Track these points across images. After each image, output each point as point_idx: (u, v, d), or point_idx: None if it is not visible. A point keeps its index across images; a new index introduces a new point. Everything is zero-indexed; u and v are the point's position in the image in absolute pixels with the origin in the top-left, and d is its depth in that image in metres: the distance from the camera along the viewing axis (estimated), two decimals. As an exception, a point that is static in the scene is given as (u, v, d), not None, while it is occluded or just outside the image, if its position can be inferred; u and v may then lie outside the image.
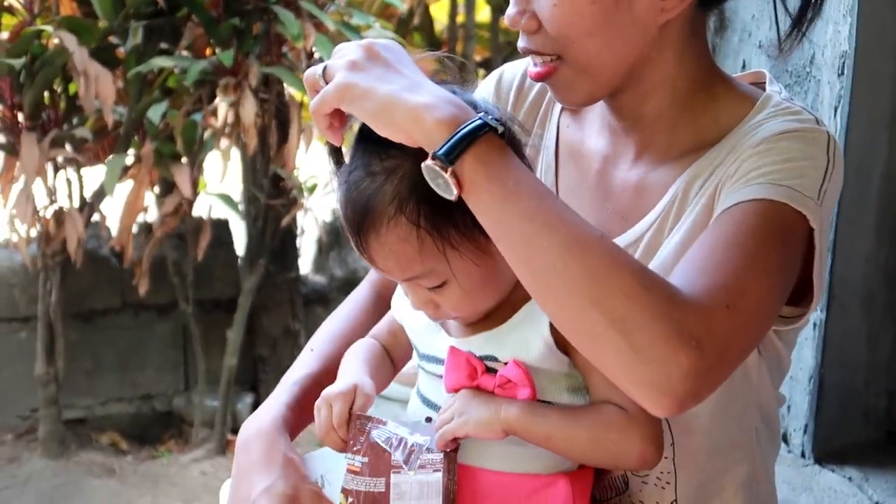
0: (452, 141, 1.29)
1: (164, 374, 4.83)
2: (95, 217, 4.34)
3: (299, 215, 4.69)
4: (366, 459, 1.50)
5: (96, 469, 4.45)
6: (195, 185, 4.27)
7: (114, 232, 4.29)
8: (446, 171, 1.29)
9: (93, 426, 4.72)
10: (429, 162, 1.30)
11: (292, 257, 4.87)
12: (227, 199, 4.43)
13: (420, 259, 1.40)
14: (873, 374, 2.60)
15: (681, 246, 1.48)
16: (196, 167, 4.24)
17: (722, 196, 1.44)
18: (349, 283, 5.11)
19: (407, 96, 1.31)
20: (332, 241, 5.11)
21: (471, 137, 1.29)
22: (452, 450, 1.47)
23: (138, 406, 4.82)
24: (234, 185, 4.66)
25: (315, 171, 4.71)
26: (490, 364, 1.47)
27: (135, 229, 4.32)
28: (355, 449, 1.51)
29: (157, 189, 4.51)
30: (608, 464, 1.50)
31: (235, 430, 4.69)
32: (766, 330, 1.41)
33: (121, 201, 4.18)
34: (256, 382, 4.92)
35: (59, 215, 4.18)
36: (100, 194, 4.20)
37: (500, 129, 1.32)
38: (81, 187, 4.29)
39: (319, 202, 4.74)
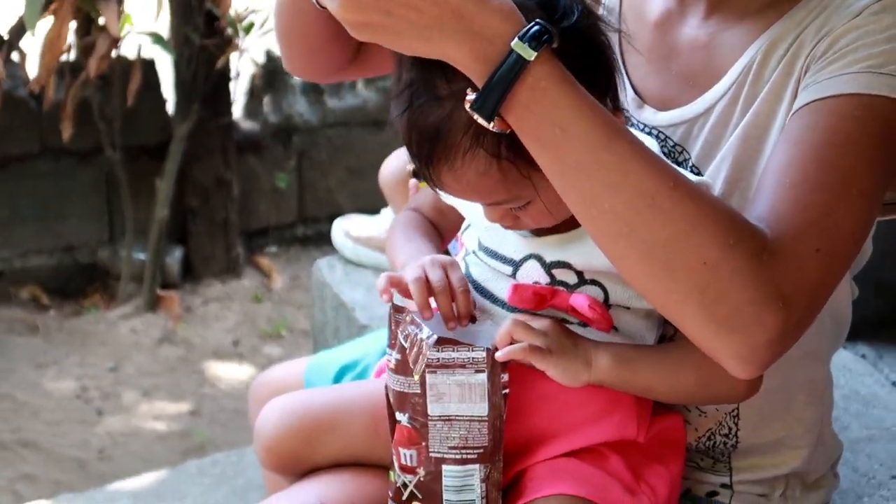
0: (487, 89, 1.10)
1: (87, 225, 4.55)
2: (14, 56, 3.99)
3: (233, 57, 4.37)
4: (399, 356, 1.34)
5: (18, 326, 4.22)
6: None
7: (32, 73, 3.95)
8: (489, 124, 1.12)
9: (11, 279, 4.44)
10: (468, 109, 1.13)
11: (225, 102, 4.57)
12: (158, 39, 4.09)
13: (503, 188, 1.23)
14: (890, 245, 2.45)
15: (754, 126, 1.31)
16: (122, 3, 3.89)
17: (809, 79, 1.25)
18: (283, 130, 4.86)
19: (434, 34, 1.11)
20: (266, 84, 4.81)
21: (508, 79, 1.09)
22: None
23: (60, 258, 4.53)
24: (162, 23, 4.31)
25: (250, 7, 4.38)
26: (560, 274, 1.32)
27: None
28: (391, 343, 1.36)
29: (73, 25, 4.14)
30: (712, 402, 1.41)
31: (165, 286, 4.48)
32: (856, 256, 1.24)
33: (40, 39, 3.82)
34: (185, 235, 4.67)
35: (-26, 54, 3.82)
36: (19, 30, 3.84)
37: (544, 43, 1.10)
38: (-3, 23, 3.93)
39: (255, 43, 4.43)
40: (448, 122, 1.18)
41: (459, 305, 1.33)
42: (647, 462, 1.38)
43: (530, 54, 1.09)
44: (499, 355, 1.28)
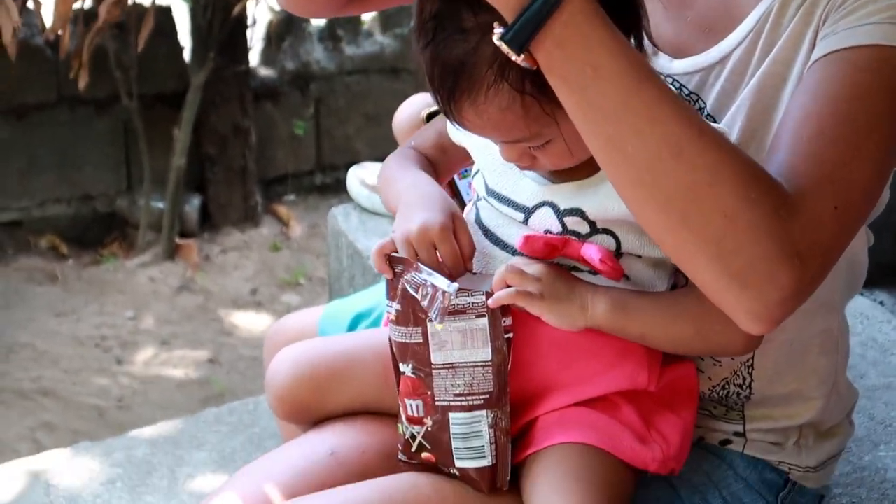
0: (520, 21, 1.06)
1: (104, 174, 4.54)
2: (30, 4, 3.96)
3: (250, 4, 4.34)
4: (400, 307, 1.33)
5: (37, 275, 4.23)
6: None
7: (48, 21, 3.93)
8: (518, 57, 1.08)
9: (30, 229, 4.45)
10: (497, 41, 1.09)
11: (242, 50, 4.55)
12: (173, -14, 4.06)
13: (525, 125, 1.20)
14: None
15: (771, 75, 1.29)
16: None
17: (827, 29, 1.22)
18: (301, 77, 4.83)
19: None
20: (283, 30, 4.78)
21: (544, 11, 1.05)
22: None
23: (77, 207, 4.54)
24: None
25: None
26: (572, 223, 1.31)
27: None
28: (390, 294, 1.35)
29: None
30: (708, 353, 1.40)
31: (184, 234, 4.49)
32: (872, 210, 1.22)
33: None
34: (203, 183, 4.66)
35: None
36: (33, -22, 3.81)
37: None
38: (11, -30, 3.89)
39: (271, -12, 4.41)
40: (473, 55, 1.16)
41: (463, 246, 1.32)
42: (658, 410, 1.37)
43: None
44: (490, 301, 1.28)
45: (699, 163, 1.08)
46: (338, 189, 5.00)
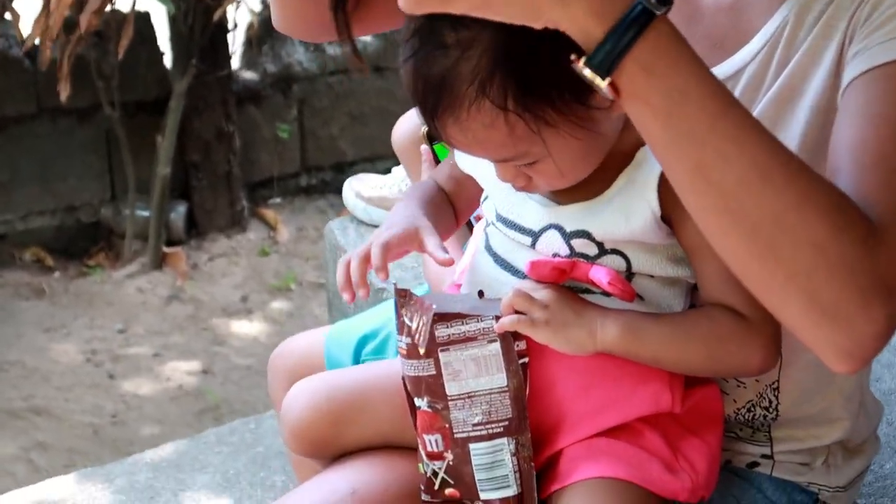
0: (609, 44, 1.01)
1: (88, 184, 4.50)
2: (7, 16, 3.91)
3: (230, 8, 4.29)
4: (409, 340, 1.30)
5: (23, 290, 4.19)
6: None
7: (25, 32, 3.88)
8: (603, 82, 1.03)
9: (14, 242, 4.41)
10: (582, 67, 1.03)
11: (223, 54, 4.50)
12: (152, -8, 4.01)
13: (511, 143, 1.17)
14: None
15: (788, 88, 1.26)
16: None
17: (857, 46, 1.19)
18: (283, 79, 4.79)
19: None
20: (264, 33, 4.73)
21: (632, 35, 1.01)
22: None
23: (62, 218, 4.49)
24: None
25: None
26: (579, 245, 1.28)
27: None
28: (399, 328, 1.32)
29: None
30: (722, 375, 1.37)
31: (170, 242, 4.44)
32: None
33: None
34: (188, 190, 4.61)
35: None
36: (10, -10, 3.76)
37: (666, 4, 1.02)
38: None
39: (251, -8, 4.36)
40: (453, 72, 1.13)
41: (374, 258, 1.31)
42: (684, 436, 1.34)
43: (658, 8, 1.00)
44: (495, 327, 1.25)
45: (787, 189, 1.03)
46: (324, 190, 4.97)
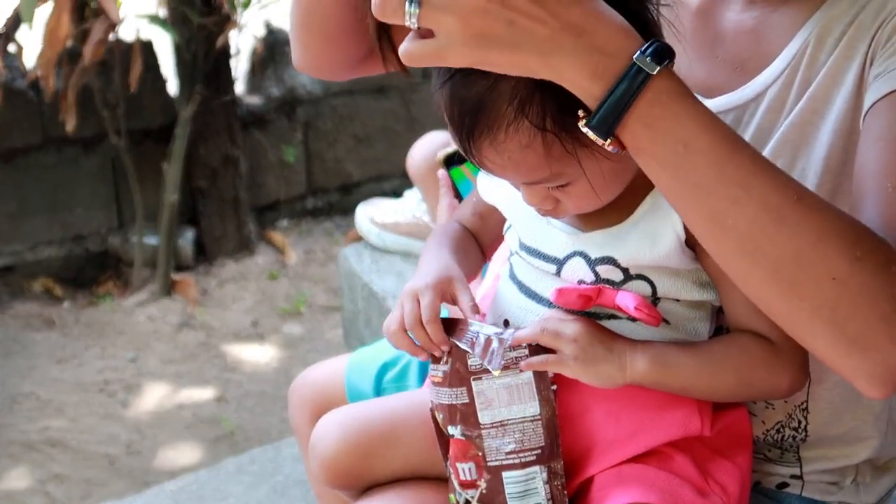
0: (605, 108, 1.04)
1: (95, 213, 4.48)
2: (11, 48, 3.91)
3: (232, 34, 4.29)
4: (448, 368, 1.32)
5: (34, 321, 4.17)
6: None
7: (29, 63, 3.89)
8: (604, 142, 1.06)
9: (23, 273, 4.39)
10: (582, 127, 1.07)
11: (226, 80, 4.49)
12: (155, 20, 4.01)
13: (546, 164, 1.17)
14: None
15: (810, 111, 1.27)
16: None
17: (878, 68, 1.20)
18: (287, 103, 4.78)
19: (553, 48, 1.04)
20: (267, 57, 4.73)
21: (629, 94, 1.03)
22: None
23: (70, 248, 4.48)
24: (150, 5, 4.23)
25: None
26: (604, 272, 1.29)
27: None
28: (434, 358, 1.34)
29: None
30: (751, 400, 1.39)
31: (179, 269, 4.43)
32: None
33: (36, 29, 3.74)
34: (196, 216, 4.61)
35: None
36: (15, 22, 3.76)
37: (664, 60, 1.05)
38: (-9, 15, 3.86)
39: (254, 17, 4.35)
40: (492, 92, 1.14)
41: (431, 335, 1.31)
42: (714, 459, 1.34)
43: (653, 68, 1.03)
44: (522, 365, 1.27)
45: (802, 227, 1.05)
46: (330, 212, 4.96)
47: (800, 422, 1.41)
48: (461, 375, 1.30)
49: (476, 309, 1.32)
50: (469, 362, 1.30)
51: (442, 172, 1.93)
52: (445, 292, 1.34)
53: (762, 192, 1.05)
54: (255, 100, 4.77)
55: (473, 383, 1.29)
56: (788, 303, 1.07)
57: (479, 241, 1.50)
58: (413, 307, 1.32)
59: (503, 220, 1.43)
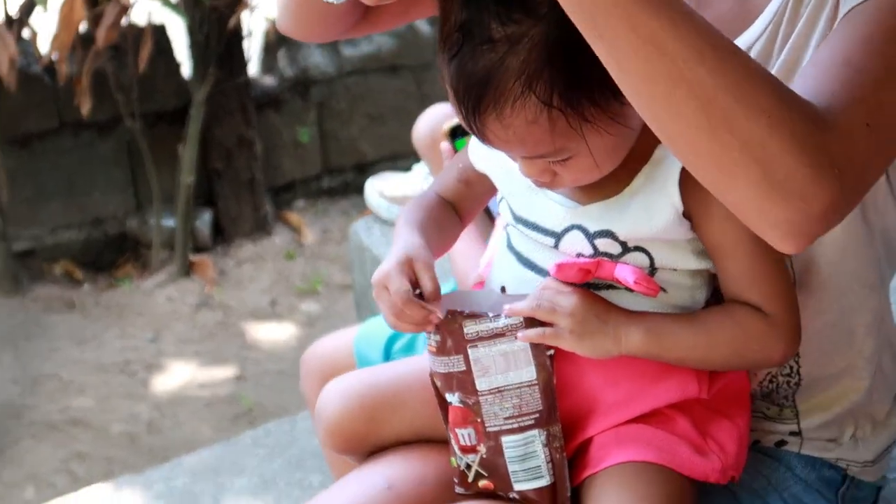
0: None
1: (112, 196, 4.53)
2: (25, 33, 3.94)
3: (244, 15, 4.32)
4: (439, 337, 1.32)
5: (55, 303, 4.22)
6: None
7: (43, 48, 3.92)
8: None
9: (43, 257, 4.45)
10: None
11: (239, 61, 4.53)
12: (167, 3, 4.03)
13: (551, 139, 1.18)
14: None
15: (793, 60, 1.28)
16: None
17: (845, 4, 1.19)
18: (301, 83, 4.81)
19: None
20: (279, 38, 4.76)
21: None
22: None
23: (89, 231, 4.53)
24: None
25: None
26: (603, 245, 1.29)
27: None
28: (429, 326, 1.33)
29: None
30: (745, 369, 1.38)
31: (197, 250, 4.47)
32: None
33: (50, 15, 3.79)
34: (212, 197, 4.65)
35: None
36: (29, 8, 3.79)
37: None
38: (5, 2, 3.88)
39: (265, -2, 4.38)
40: (500, 67, 1.14)
41: (413, 316, 1.30)
42: (713, 418, 1.36)
43: None
44: (519, 336, 1.28)
45: (737, 58, 1.04)
46: (346, 191, 4.99)
47: (791, 367, 1.42)
48: (457, 343, 1.31)
49: (436, 293, 1.31)
50: (465, 330, 1.31)
51: (445, 145, 1.94)
52: (410, 274, 1.32)
53: (701, 25, 1.04)
54: (268, 81, 4.80)
55: (470, 351, 1.30)
56: (718, 138, 1.04)
57: (458, 209, 1.49)
58: (388, 298, 1.32)
59: (490, 187, 1.43)
